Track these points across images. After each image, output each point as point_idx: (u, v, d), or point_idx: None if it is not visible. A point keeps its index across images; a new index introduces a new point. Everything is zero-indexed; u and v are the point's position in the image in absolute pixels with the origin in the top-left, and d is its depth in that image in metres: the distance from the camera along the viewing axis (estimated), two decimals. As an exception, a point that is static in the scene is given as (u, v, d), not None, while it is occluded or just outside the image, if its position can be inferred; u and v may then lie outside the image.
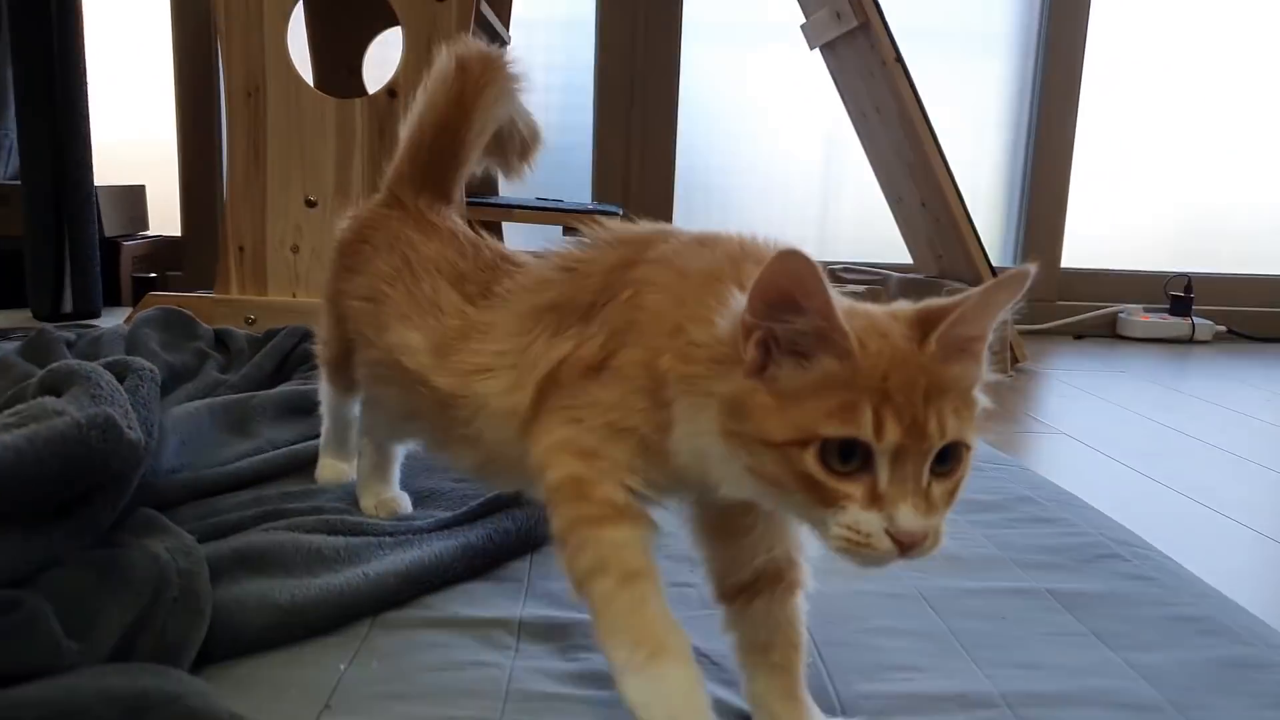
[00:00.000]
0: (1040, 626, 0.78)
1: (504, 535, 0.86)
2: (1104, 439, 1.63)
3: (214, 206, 2.63)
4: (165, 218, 2.69)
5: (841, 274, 2.65)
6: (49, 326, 1.44)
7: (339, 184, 1.89)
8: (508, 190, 2.49)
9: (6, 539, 0.59)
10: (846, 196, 2.75)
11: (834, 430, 0.50)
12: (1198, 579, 0.89)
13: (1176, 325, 2.89)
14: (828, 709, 0.63)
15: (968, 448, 0.53)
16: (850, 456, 0.51)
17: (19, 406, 0.74)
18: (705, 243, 0.62)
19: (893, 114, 2.19)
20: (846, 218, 2.90)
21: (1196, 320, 2.89)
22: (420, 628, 0.72)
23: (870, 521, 0.50)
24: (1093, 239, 2.99)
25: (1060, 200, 2.92)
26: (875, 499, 0.51)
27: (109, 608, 0.59)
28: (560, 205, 2.23)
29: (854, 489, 0.51)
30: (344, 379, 0.92)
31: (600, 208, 2.31)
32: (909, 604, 0.80)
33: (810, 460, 0.51)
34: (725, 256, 0.60)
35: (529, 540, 0.88)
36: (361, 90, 2.10)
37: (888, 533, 0.50)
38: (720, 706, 0.62)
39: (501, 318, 0.71)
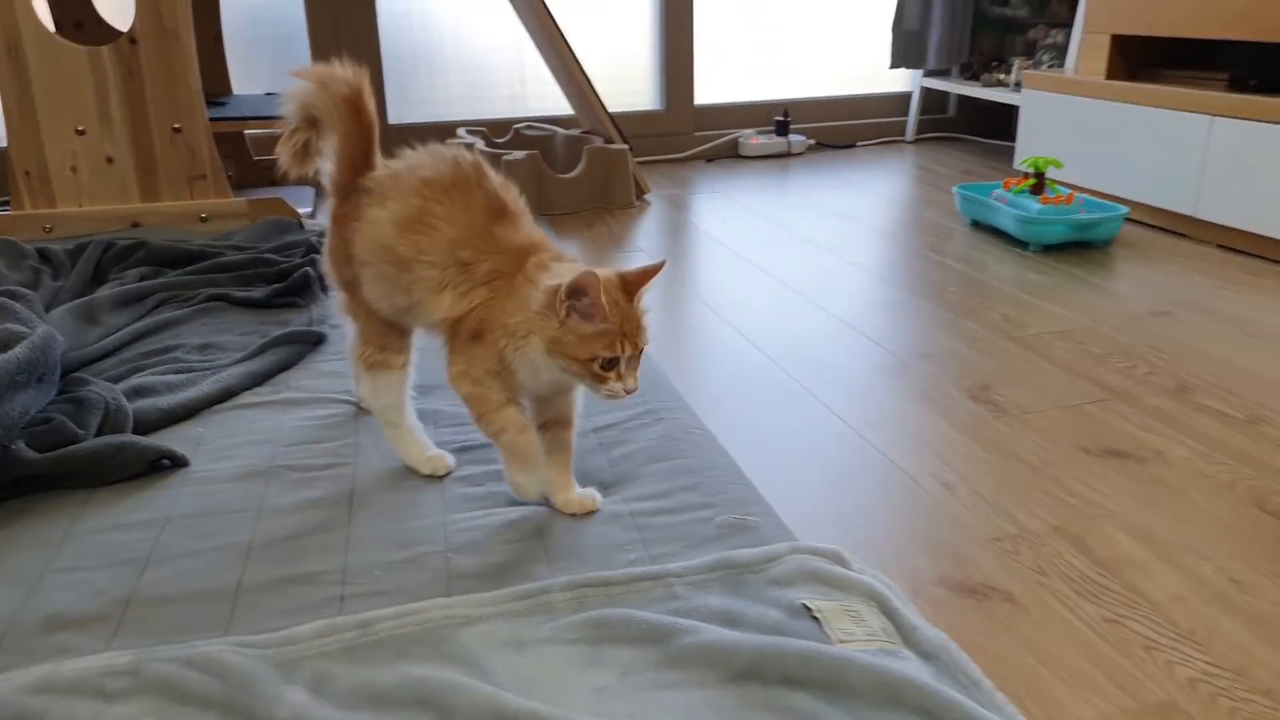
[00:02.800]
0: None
1: (275, 364, 1.61)
2: (675, 254, 2.52)
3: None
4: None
5: (524, 130, 3.35)
6: (-92, 260, 1.97)
7: (101, 116, 2.41)
8: (240, 87, 3.02)
9: (31, 392, 1.30)
10: (538, 65, 3.36)
11: (608, 354, 1.03)
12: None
13: (779, 144, 3.78)
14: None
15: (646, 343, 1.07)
16: (611, 363, 1.04)
17: (-10, 331, 1.42)
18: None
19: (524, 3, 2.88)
20: (536, 82, 3.54)
21: (793, 138, 3.81)
22: (243, 409, 1.48)
23: (618, 387, 1.05)
24: (718, 79, 3.80)
25: (688, 51, 3.68)
26: (620, 378, 1.05)
27: (88, 418, 1.31)
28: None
29: (612, 375, 1.05)
30: (393, 338, 1.26)
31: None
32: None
33: (596, 367, 1.04)
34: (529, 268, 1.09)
35: (274, 370, 1.64)
36: (100, 39, 2.57)
37: (625, 390, 1.05)
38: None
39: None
